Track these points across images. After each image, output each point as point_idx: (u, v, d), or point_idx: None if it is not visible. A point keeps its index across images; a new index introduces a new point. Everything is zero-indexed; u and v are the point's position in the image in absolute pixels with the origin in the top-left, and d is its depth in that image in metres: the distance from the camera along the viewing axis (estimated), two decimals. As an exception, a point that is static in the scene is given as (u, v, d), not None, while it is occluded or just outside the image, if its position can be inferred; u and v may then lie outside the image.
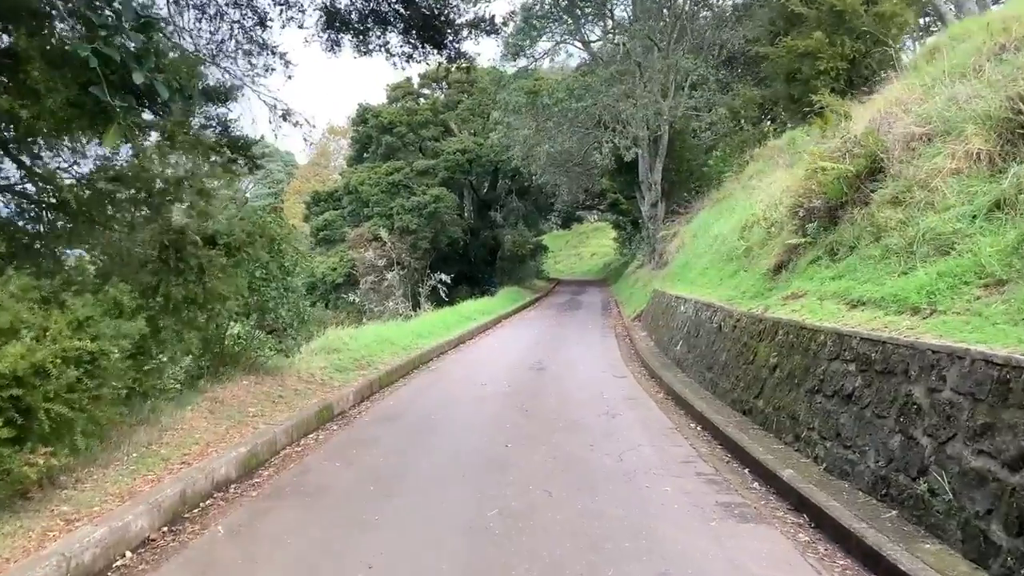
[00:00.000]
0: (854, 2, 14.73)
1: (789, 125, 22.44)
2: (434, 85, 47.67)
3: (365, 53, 12.25)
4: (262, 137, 13.04)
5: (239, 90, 12.18)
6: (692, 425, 9.29)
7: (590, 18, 27.17)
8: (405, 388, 12.27)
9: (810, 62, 15.39)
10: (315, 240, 47.02)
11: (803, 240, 10.67)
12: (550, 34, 27.55)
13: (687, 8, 28.63)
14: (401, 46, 12.22)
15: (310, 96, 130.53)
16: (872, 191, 9.18)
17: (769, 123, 26.99)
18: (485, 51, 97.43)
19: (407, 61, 12.42)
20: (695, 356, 12.43)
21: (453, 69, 12.64)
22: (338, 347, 13.89)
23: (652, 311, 20.02)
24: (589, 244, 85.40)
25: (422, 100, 46.98)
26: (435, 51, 12.26)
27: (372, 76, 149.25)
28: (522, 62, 28.27)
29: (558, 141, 27.57)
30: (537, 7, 26.89)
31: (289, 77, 13.42)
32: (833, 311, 7.86)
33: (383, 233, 37.10)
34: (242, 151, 11.34)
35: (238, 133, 11.81)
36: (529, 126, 27.51)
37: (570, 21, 26.76)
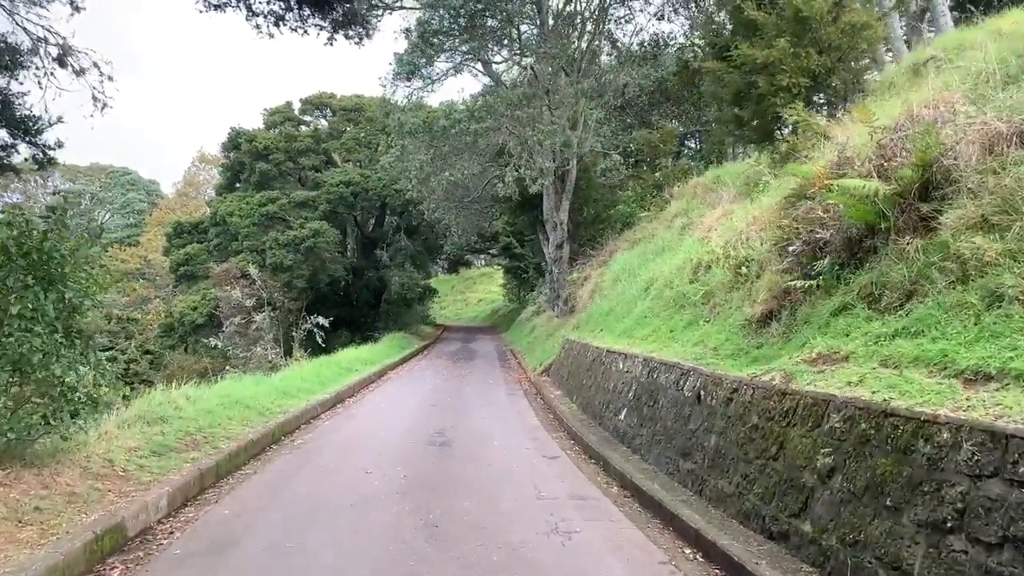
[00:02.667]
0: (821, 8, 12.45)
1: (739, 152, 20.29)
2: (316, 112, 44.03)
3: (216, 7, 8.80)
4: (58, 119, 9.36)
5: (33, 54, 8.59)
6: (694, 555, 6.15)
7: (494, 37, 24.39)
8: (253, 481, 8.64)
9: (767, 77, 13.00)
10: (175, 276, 42.21)
11: (806, 283, 7.90)
12: (450, 53, 24.60)
13: (589, 46, 26.51)
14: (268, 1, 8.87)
15: (177, 121, 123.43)
16: (936, 212, 6.48)
17: (690, 159, 24.89)
18: (373, 73, 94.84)
19: (276, 25, 9.05)
20: (653, 433, 9.40)
21: (341, 39, 9.33)
22: (165, 415, 10.09)
23: (567, 365, 17.03)
24: (476, 289, 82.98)
25: (303, 128, 43.17)
26: (317, 12, 8.97)
27: (249, 102, 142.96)
28: (417, 83, 25.13)
29: (457, 168, 24.46)
30: (435, 22, 23.94)
31: (76, 9, 9.48)
32: (934, 388, 4.98)
33: (253, 270, 32.97)
34: (27, 134, 7.72)
35: (26, 112, 8.19)
36: (426, 151, 24.31)
37: (471, 40, 23.92)
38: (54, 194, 62.19)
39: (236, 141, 40.87)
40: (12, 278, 6.61)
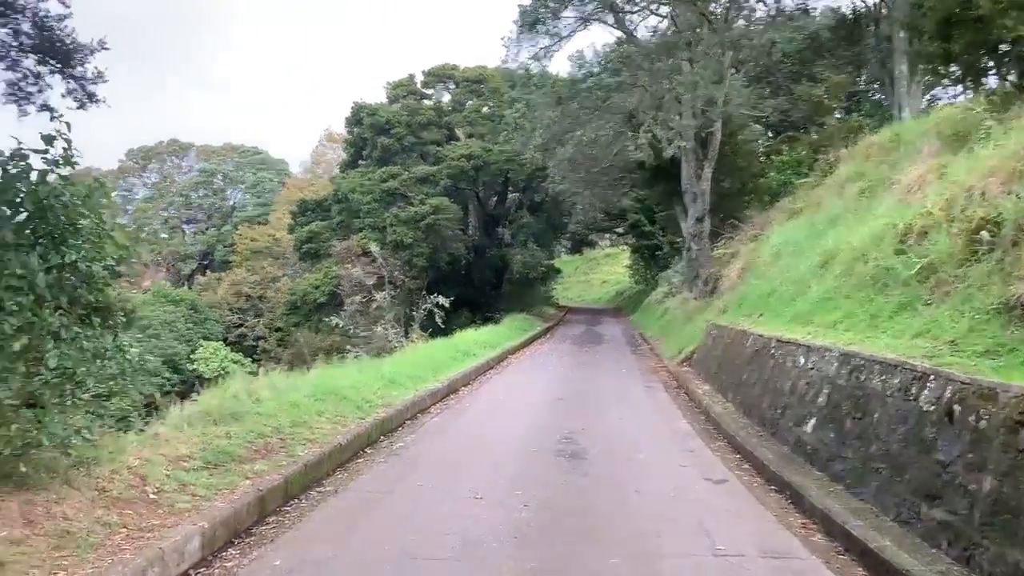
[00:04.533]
0: None
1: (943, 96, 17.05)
2: (439, 84, 42.49)
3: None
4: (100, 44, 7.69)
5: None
6: None
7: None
8: (328, 508, 6.64)
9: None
10: (300, 254, 41.90)
11: None
12: (578, 3, 22.07)
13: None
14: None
15: (306, 100, 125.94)
16: None
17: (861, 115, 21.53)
18: (497, 47, 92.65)
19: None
20: (864, 457, 6.81)
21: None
22: (239, 410, 8.32)
23: (715, 355, 14.45)
24: (600, 270, 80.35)
25: (425, 101, 41.75)
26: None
27: (374, 77, 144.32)
28: (543, 41, 22.76)
29: (589, 128, 22.05)
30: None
31: None
32: None
33: (374, 247, 31.85)
34: (61, 63, 5.98)
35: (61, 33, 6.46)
36: (552, 109, 22.03)
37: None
38: (186, 173, 64.06)
39: (359, 116, 39.89)
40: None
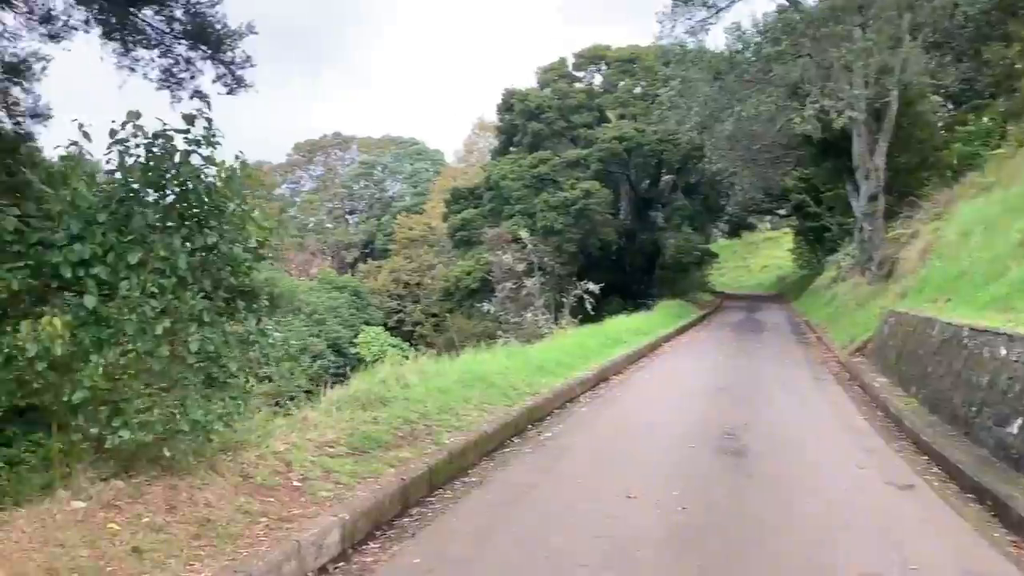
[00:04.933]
0: None
1: None
2: (590, 66, 41.80)
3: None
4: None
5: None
6: None
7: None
8: (471, 501, 6.32)
9: None
10: (453, 241, 42.61)
11: None
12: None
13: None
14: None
15: (461, 92, 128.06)
16: None
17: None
18: (650, 26, 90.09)
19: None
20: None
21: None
22: (387, 395, 8.24)
23: (894, 344, 13.12)
24: (759, 255, 76.88)
25: (576, 84, 41.20)
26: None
27: (525, 64, 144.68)
28: (699, 13, 21.63)
29: (749, 103, 20.77)
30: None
31: None
32: None
33: (523, 233, 31.67)
34: (212, 46, 6.02)
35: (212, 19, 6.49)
36: (710, 85, 20.93)
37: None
38: (349, 166, 66.74)
39: (509, 102, 39.93)
40: (137, 218, 4.81)
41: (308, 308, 42.75)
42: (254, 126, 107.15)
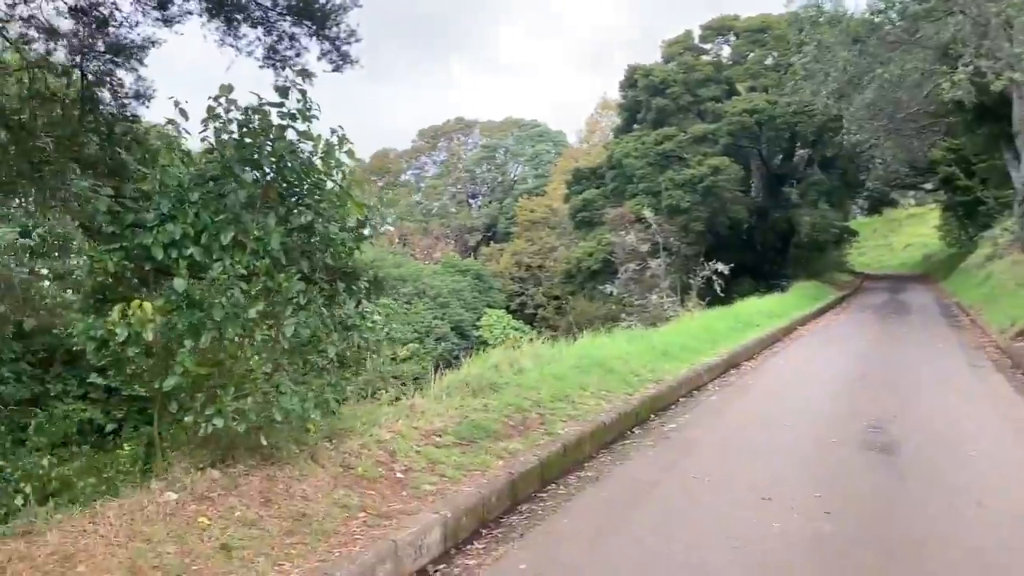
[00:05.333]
0: None
1: None
2: (718, 38, 40.08)
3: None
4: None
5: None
6: None
7: None
8: (586, 499, 5.81)
9: None
10: (574, 222, 42.09)
11: None
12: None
13: None
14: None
15: (584, 73, 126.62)
16: None
17: None
18: None
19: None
20: None
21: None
22: (499, 381, 7.87)
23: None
24: (903, 232, 72.11)
25: (703, 57, 39.61)
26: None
27: (651, 40, 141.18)
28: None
29: (892, 68, 19.08)
30: None
31: None
32: None
33: (647, 213, 30.84)
34: (316, 22, 5.84)
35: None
36: (848, 49, 19.36)
37: None
38: (471, 150, 67.14)
39: (632, 78, 38.83)
40: (231, 196, 4.57)
41: (432, 291, 43.31)
42: (388, 117, 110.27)
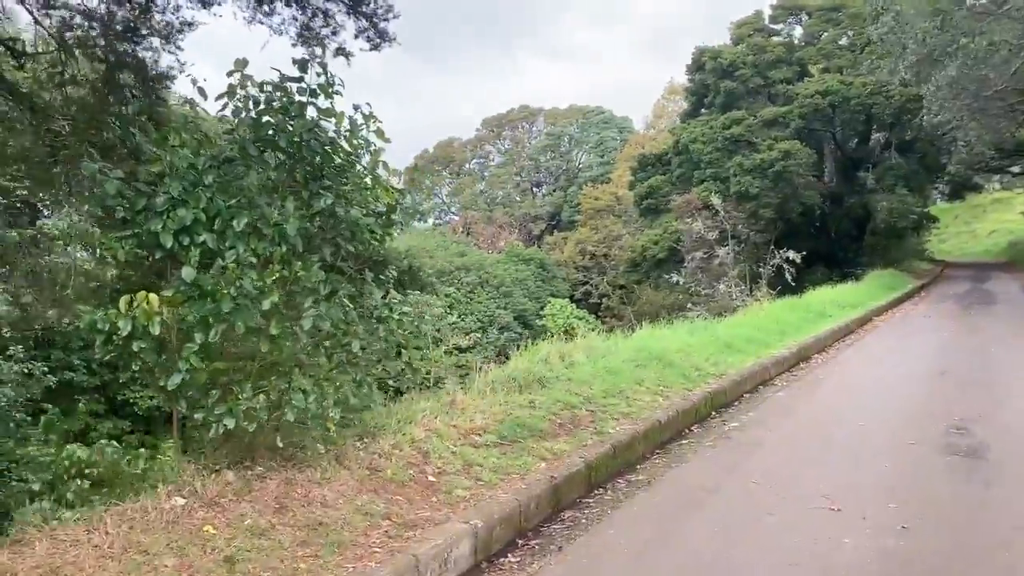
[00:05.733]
0: None
1: None
2: (789, 18, 38.64)
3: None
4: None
5: None
6: None
7: None
8: (635, 506, 5.36)
9: None
10: (639, 210, 41.32)
11: None
12: None
13: None
14: None
15: (649, 57, 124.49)
16: None
17: None
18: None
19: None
20: None
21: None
22: (547, 375, 7.45)
23: None
24: (987, 219, 68.77)
25: (774, 38, 38.23)
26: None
27: (719, 22, 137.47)
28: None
29: (979, 42, 17.81)
30: None
31: None
32: None
33: (715, 199, 29.96)
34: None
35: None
36: (929, 19, 18.15)
37: None
38: (536, 138, 66.52)
39: (700, 61, 37.77)
40: (253, 173, 4.26)
41: (495, 280, 43.08)
42: (452, 107, 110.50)
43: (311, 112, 4.50)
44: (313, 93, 4.50)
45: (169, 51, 6.46)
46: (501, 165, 67.22)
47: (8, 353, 9.16)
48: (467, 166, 68.95)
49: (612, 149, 62.49)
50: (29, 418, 12.42)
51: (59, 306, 6.22)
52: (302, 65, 4.46)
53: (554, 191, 63.63)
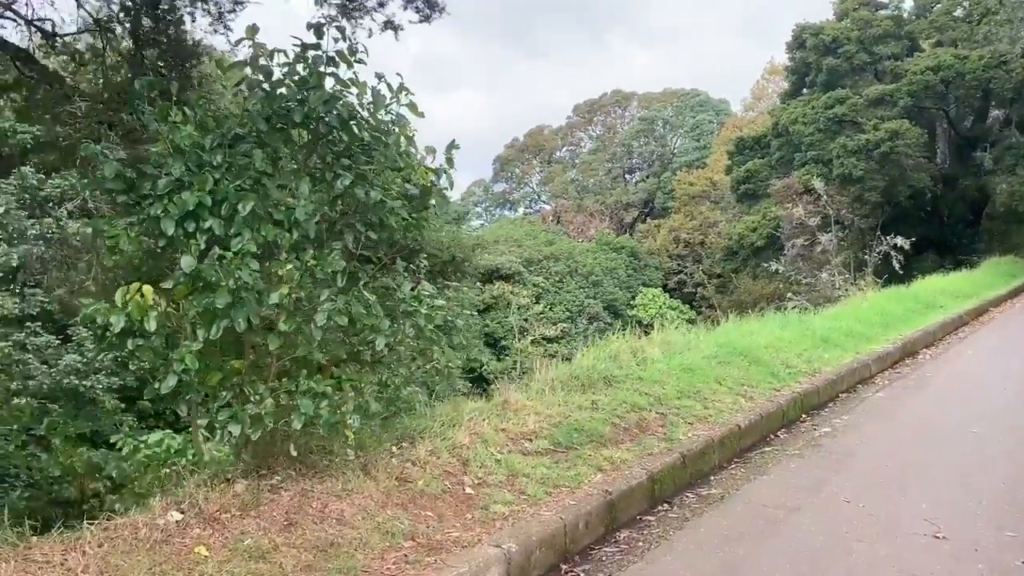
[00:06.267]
0: None
1: None
2: (899, -12, 36.31)
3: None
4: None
5: None
6: None
7: None
8: (703, 527, 4.71)
9: None
10: (736, 195, 39.85)
11: None
12: None
13: None
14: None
15: (748, 38, 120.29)
16: None
17: None
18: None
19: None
20: None
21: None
22: (616, 374, 6.83)
23: None
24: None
25: (880, 12, 35.99)
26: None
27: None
28: None
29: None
30: None
31: None
32: None
33: (817, 183, 28.51)
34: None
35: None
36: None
37: None
38: (628, 124, 65.13)
39: (801, 38, 35.97)
40: (258, 152, 3.84)
41: (584, 269, 42.37)
42: (544, 95, 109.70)
43: (330, 84, 4.04)
44: (332, 62, 4.03)
45: (220, 31, 6.19)
46: (592, 152, 66.15)
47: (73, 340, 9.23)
48: (558, 154, 68.18)
49: (708, 133, 60.58)
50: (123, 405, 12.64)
51: (88, 296, 6.07)
52: (317, 30, 4.00)
53: (647, 177, 62.19)
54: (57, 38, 5.80)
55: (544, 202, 66.33)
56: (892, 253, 21.29)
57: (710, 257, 47.20)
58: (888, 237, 22.12)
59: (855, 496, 5.04)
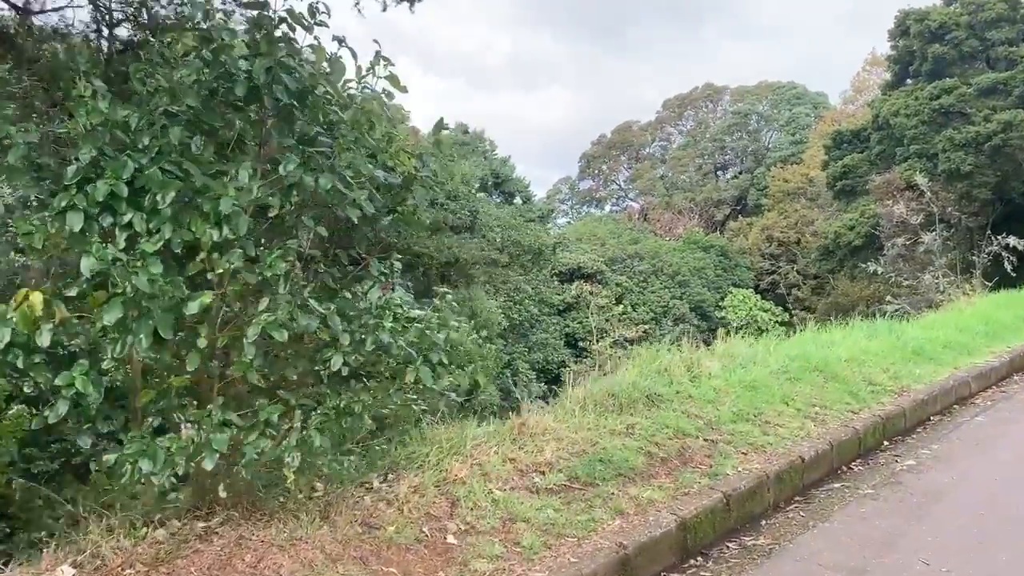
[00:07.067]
0: None
1: None
2: (1017, -32, 33.60)
3: None
4: None
5: None
6: None
7: None
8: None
9: None
10: (833, 192, 37.83)
11: None
12: None
13: None
14: None
15: (850, 28, 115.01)
16: None
17: None
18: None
19: None
20: None
21: None
22: (661, 391, 5.98)
23: None
24: None
25: (996, -7, 33.41)
26: None
27: None
28: None
29: None
30: None
31: None
32: None
33: (920, 179, 26.72)
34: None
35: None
36: None
37: None
38: (721, 118, 62.99)
39: (904, 25, 33.77)
40: (176, 130, 3.22)
41: (670, 269, 40.99)
42: (635, 93, 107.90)
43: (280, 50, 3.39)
44: (286, 23, 3.37)
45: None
46: (682, 147, 64.29)
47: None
48: (646, 150, 66.55)
49: (805, 127, 57.97)
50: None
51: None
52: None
53: (740, 173, 60.06)
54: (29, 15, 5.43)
55: (631, 199, 64.89)
56: (1004, 254, 19.64)
57: (805, 257, 45.12)
58: (999, 237, 20.44)
59: (938, 557, 4.08)
